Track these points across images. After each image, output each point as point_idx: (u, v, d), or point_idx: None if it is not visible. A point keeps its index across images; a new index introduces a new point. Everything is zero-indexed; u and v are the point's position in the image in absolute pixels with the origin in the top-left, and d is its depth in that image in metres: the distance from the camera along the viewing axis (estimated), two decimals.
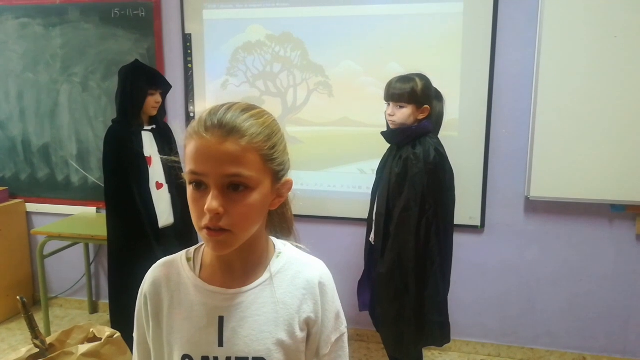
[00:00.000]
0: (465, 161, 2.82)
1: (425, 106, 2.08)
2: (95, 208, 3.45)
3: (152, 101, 2.55)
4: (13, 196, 3.56)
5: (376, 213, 2.19)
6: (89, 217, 3.37)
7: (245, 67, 3.03)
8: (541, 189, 2.73)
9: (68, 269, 3.59)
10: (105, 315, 3.54)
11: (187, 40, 3.09)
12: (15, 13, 3.33)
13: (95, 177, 3.40)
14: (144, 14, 3.13)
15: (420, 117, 2.08)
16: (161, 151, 2.62)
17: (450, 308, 2.97)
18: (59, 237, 3.04)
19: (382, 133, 2.22)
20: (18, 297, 1.76)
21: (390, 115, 2.14)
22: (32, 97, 3.40)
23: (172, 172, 2.69)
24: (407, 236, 2.02)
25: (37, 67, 3.35)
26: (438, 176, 2.03)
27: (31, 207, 3.57)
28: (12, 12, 3.33)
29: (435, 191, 2.02)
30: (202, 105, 3.08)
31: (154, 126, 2.64)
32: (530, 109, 2.71)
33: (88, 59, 3.26)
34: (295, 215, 3.04)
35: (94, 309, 3.61)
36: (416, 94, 2.07)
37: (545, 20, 2.58)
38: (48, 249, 3.10)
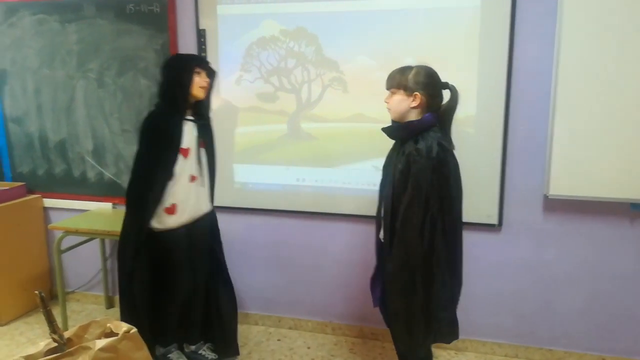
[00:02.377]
0: (482, 158, 2.77)
1: (415, 93, 2.03)
2: (111, 204, 3.47)
3: (200, 81, 2.46)
4: (30, 191, 3.59)
5: (383, 210, 2.16)
6: (105, 213, 3.39)
7: (259, 62, 3.01)
8: (560, 187, 2.67)
9: (85, 263, 3.62)
10: None
11: (201, 35, 3.07)
12: (32, 9, 3.35)
13: (111, 172, 3.41)
14: (158, 9, 3.12)
15: (413, 104, 2.03)
16: (201, 144, 2.56)
17: (466, 307, 2.95)
18: (76, 232, 3.07)
19: (383, 129, 2.17)
20: (37, 292, 1.77)
21: (385, 102, 2.13)
22: (49, 93, 3.43)
23: (211, 166, 2.67)
24: (412, 233, 1.99)
25: (54, 63, 3.37)
26: (442, 171, 1.97)
27: (48, 202, 3.61)
28: (29, 9, 3.35)
29: (439, 186, 1.97)
30: (216, 101, 3.06)
31: (196, 118, 2.56)
32: (549, 105, 2.65)
33: (103, 55, 3.27)
34: (310, 212, 3.05)
35: (110, 303, 3.64)
36: (405, 79, 2.03)
37: (566, 13, 2.51)
38: (65, 244, 3.13)
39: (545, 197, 2.74)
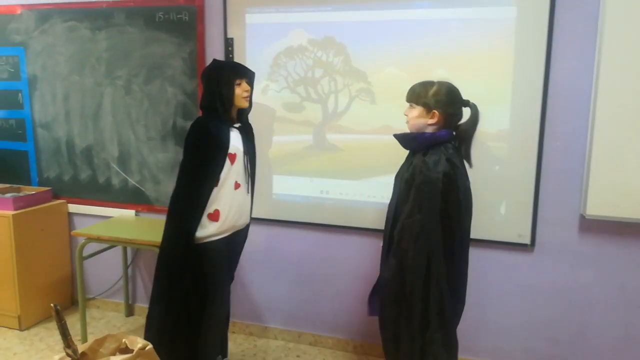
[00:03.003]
0: (515, 174, 2.66)
1: (434, 111, 2.01)
2: (134, 211, 3.45)
3: (241, 91, 2.43)
4: (56, 196, 3.61)
5: (386, 218, 2.16)
6: (128, 220, 3.38)
7: (286, 72, 2.97)
8: (598, 207, 2.53)
9: (106, 270, 3.61)
10: (140, 318, 3.54)
11: (229, 44, 3.05)
12: (64, 16, 3.38)
13: (135, 179, 3.40)
14: (187, 17, 3.11)
15: (431, 122, 2.02)
16: (246, 151, 2.50)
17: (494, 331, 2.84)
18: (98, 239, 3.05)
19: (395, 135, 2.15)
20: (52, 305, 1.73)
21: (405, 114, 2.12)
22: (77, 100, 3.44)
23: (252, 174, 2.59)
24: (409, 243, 1.96)
25: (83, 70, 3.39)
26: (447, 187, 1.93)
27: (73, 207, 3.61)
28: (60, 16, 3.39)
29: (444, 202, 1.93)
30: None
31: (240, 125, 2.52)
32: (587, 121, 2.53)
33: (131, 63, 3.27)
34: (333, 226, 2.96)
35: (129, 311, 3.61)
36: (425, 96, 2.02)
37: (607, 24, 2.40)
38: (87, 251, 3.12)
39: (582, 216, 2.61)
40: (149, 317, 2.52)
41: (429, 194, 1.94)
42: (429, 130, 2.05)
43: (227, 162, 2.40)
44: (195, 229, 2.38)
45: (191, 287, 2.43)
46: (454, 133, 2.08)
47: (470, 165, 2.10)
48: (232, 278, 2.71)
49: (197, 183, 2.36)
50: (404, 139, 2.14)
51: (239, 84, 2.42)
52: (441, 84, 2.05)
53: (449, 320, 2.04)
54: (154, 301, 2.51)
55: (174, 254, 2.40)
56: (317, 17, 2.86)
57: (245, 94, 2.45)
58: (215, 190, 2.39)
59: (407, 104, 2.12)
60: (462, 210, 2.00)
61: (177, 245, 2.38)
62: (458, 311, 2.12)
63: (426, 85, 2.06)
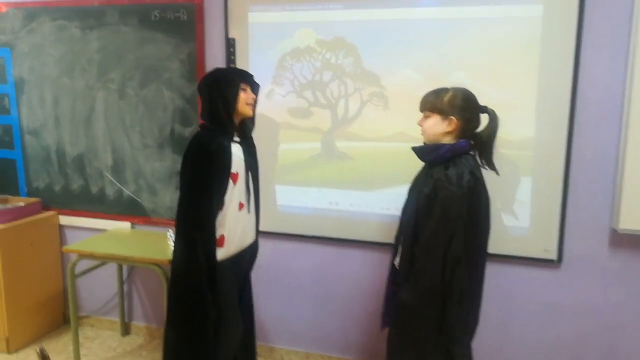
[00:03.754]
0: (541, 185, 2.48)
1: (450, 117, 1.90)
2: (129, 223, 3.25)
3: (247, 98, 2.22)
4: (46, 208, 3.39)
5: (403, 236, 2.03)
6: (123, 233, 3.17)
7: (292, 75, 2.76)
8: (632, 220, 2.35)
9: (100, 286, 3.41)
10: (137, 338, 3.35)
11: (230, 45, 2.84)
12: (52, 15, 3.16)
13: (131, 190, 3.19)
14: (185, 16, 2.90)
15: (448, 129, 1.91)
16: (248, 167, 2.31)
17: (518, 352, 2.66)
18: (91, 256, 2.84)
19: (413, 148, 2.03)
20: (36, 350, 1.53)
21: (419, 125, 2.02)
22: (68, 104, 3.23)
23: (256, 191, 2.41)
24: (435, 263, 1.84)
25: (74, 72, 3.18)
26: (472, 202, 1.83)
27: (64, 219, 3.40)
28: (49, 14, 3.17)
29: (468, 218, 1.82)
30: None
31: (241, 139, 2.32)
32: (619, 128, 2.35)
33: (125, 64, 3.06)
34: (343, 239, 2.76)
35: (126, 330, 3.40)
36: (441, 102, 1.92)
37: None
38: (80, 267, 2.90)
39: (613, 230, 2.42)
40: (165, 343, 2.34)
41: (454, 211, 1.82)
42: (447, 139, 1.94)
43: (230, 182, 2.21)
44: (214, 250, 2.20)
45: (209, 311, 2.24)
46: (472, 142, 1.96)
47: (497, 173, 1.99)
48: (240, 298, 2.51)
49: (203, 208, 2.17)
50: (422, 152, 2.01)
51: (244, 90, 2.22)
52: (456, 90, 1.94)
53: (470, 340, 2.00)
54: (170, 326, 2.32)
55: (194, 278, 2.19)
56: (326, 16, 2.66)
57: (251, 101, 2.25)
58: (219, 213, 2.20)
59: (421, 114, 2.01)
60: (486, 224, 1.92)
61: (196, 267, 2.18)
62: (473, 328, 2.03)
63: (440, 92, 1.95)
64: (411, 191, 2.09)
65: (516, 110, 2.44)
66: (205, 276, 2.18)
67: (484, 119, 1.96)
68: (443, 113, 1.91)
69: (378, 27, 2.60)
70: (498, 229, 2.56)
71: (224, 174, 2.19)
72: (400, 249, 2.05)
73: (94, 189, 3.28)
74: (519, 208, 2.53)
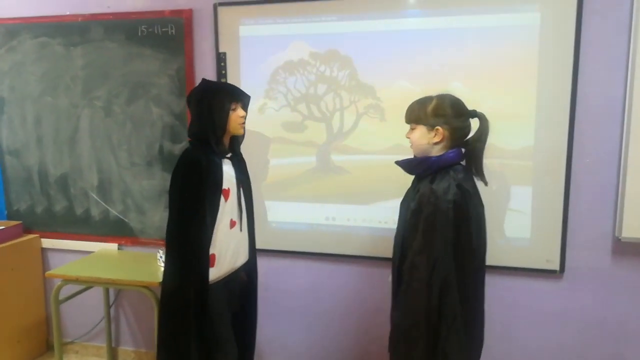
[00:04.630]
0: (542, 195, 2.45)
1: (437, 128, 1.81)
2: (117, 244, 3.12)
3: (237, 117, 2.14)
4: (28, 231, 3.25)
5: (393, 252, 1.96)
6: (109, 255, 3.05)
7: (285, 89, 2.71)
8: (634, 229, 2.33)
9: (85, 311, 3.25)
10: None
11: (221, 59, 2.78)
12: (34, 32, 3.06)
13: (118, 210, 3.08)
14: (173, 31, 2.83)
15: (435, 140, 1.82)
16: (239, 183, 2.23)
17: None
18: (76, 281, 2.71)
19: (397, 162, 1.95)
20: None
21: (407, 137, 1.93)
22: (50, 123, 3.12)
23: (249, 208, 2.33)
24: (419, 282, 1.75)
25: (56, 90, 3.07)
26: (459, 217, 1.72)
27: (47, 242, 3.26)
28: (30, 31, 3.07)
29: (455, 234, 1.73)
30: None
31: (231, 154, 2.24)
32: (620, 136, 2.34)
33: (112, 81, 2.97)
34: (341, 255, 2.68)
35: (113, 356, 3.25)
36: (425, 114, 1.83)
37: None
38: (64, 292, 2.77)
39: (616, 239, 2.40)
40: None
41: (440, 227, 1.73)
42: (435, 150, 1.85)
43: (222, 199, 2.13)
44: (206, 270, 2.11)
45: (198, 334, 2.13)
46: (463, 150, 1.87)
47: (486, 183, 1.89)
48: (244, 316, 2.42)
49: (195, 225, 2.08)
50: (408, 165, 1.92)
51: (234, 109, 2.15)
52: (441, 97, 1.86)
53: None
54: (161, 348, 2.21)
55: (184, 299, 2.10)
56: (319, 28, 2.62)
57: (241, 120, 2.17)
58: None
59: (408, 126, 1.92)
60: (474, 242, 1.78)
61: (187, 289, 2.09)
62: (477, 354, 1.92)
63: (424, 102, 1.87)
64: (402, 205, 2.00)
65: (515, 120, 2.42)
66: (197, 298, 2.09)
67: (476, 124, 1.87)
68: (428, 124, 1.83)
69: (373, 39, 2.56)
70: (499, 240, 2.53)
71: (215, 190, 2.11)
72: (392, 267, 1.98)
73: (79, 210, 3.15)
74: (520, 219, 2.50)
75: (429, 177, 1.81)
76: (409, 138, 1.92)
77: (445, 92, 1.89)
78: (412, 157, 1.94)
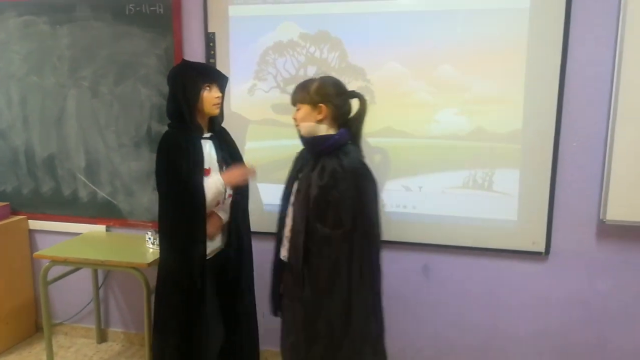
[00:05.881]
0: (529, 177, 2.48)
1: (320, 105, 1.92)
2: (104, 226, 3.11)
3: (210, 97, 2.15)
4: (15, 212, 3.22)
5: (292, 229, 1.98)
6: (98, 237, 3.04)
7: (275, 70, 2.69)
8: (619, 211, 2.37)
9: (74, 292, 3.25)
10: (114, 345, 3.22)
11: (210, 39, 2.75)
12: (18, 10, 3.00)
13: (106, 192, 3.06)
14: (161, 10, 2.79)
15: (319, 117, 1.93)
16: (222, 162, 2.24)
17: (506, 346, 2.65)
18: (65, 262, 2.70)
19: (302, 140, 2.05)
20: None
21: (293, 119, 2.03)
22: (37, 103, 3.07)
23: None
24: (338, 255, 1.84)
25: (42, 70, 3.02)
26: (366, 190, 1.88)
27: (34, 224, 3.24)
28: (14, 9, 3.01)
29: (365, 206, 1.87)
30: (226, 112, 2.73)
31: (212, 134, 2.25)
32: (607, 119, 2.36)
33: (99, 61, 2.93)
34: None
35: (102, 337, 3.26)
36: (307, 93, 1.95)
37: (629, 15, 2.23)
38: (52, 273, 2.76)
39: (601, 222, 2.43)
40: (153, 348, 2.29)
41: (354, 200, 1.84)
42: (322, 128, 1.96)
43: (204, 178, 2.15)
44: (203, 246, 2.15)
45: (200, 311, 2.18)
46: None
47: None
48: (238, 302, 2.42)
49: (187, 203, 2.11)
50: (312, 143, 2.00)
51: (209, 88, 2.15)
52: (323, 78, 2.00)
53: (379, 339, 1.98)
54: (158, 332, 2.25)
55: (184, 276, 2.15)
56: (309, 9, 2.60)
57: (216, 100, 2.17)
58: None
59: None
60: (378, 213, 1.94)
61: (187, 265, 2.15)
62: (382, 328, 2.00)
63: (307, 83, 1.99)
64: (289, 181, 2.09)
65: (504, 103, 2.44)
66: (197, 274, 2.13)
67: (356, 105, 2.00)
68: (312, 102, 1.93)
69: (363, 20, 2.55)
70: (486, 222, 2.55)
71: (196, 169, 2.13)
72: (289, 243, 2.00)
73: (66, 192, 3.13)
74: (507, 201, 2.52)
75: (332, 155, 1.89)
76: (295, 119, 2.01)
77: (326, 75, 2.04)
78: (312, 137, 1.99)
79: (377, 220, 1.93)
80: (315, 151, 1.98)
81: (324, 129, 1.96)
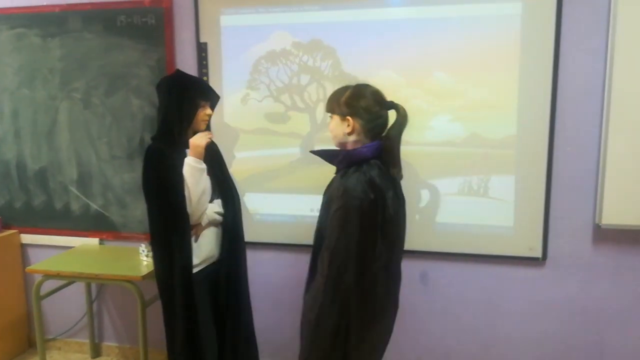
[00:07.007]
0: (524, 183, 2.47)
1: (347, 118, 1.76)
2: (97, 239, 3.08)
3: (203, 114, 2.16)
4: (6, 226, 3.19)
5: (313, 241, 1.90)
6: (91, 250, 3.00)
7: (268, 79, 2.69)
8: (614, 215, 2.37)
9: (67, 306, 3.21)
10: (109, 359, 3.17)
11: (202, 49, 2.74)
12: (10, 23, 2.99)
13: (98, 204, 3.03)
14: (153, 21, 2.79)
15: (348, 130, 1.76)
16: (210, 172, 2.22)
17: (504, 352, 2.63)
18: (58, 276, 2.67)
19: (314, 152, 1.92)
20: None
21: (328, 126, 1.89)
22: (28, 116, 3.05)
23: (226, 199, 2.32)
24: (322, 279, 1.72)
25: (34, 82, 3.01)
26: (368, 215, 1.66)
27: (26, 238, 3.20)
28: (6, 22, 3.00)
29: (361, 232, 1.66)
30: (219, 121, 2.72)
31: None
32: (600, 124, 2.36)
33: (90, 73, 2.92)
34: None
35: (96, 352, 3.21)
36: (337, 102, 1.80)
37: (619, 22, 2.24)
38: (45, 288, 2.73)
39: (597, 226, 2.43)
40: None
41: (345, 225, 1.66)
42: (351, 141, 1.79)
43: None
44: (190, 256, 2.15)
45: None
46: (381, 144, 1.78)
47: (400, 178, 1.83)
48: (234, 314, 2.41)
49: (178, 213, 2.11)
50: (325, 155, 1.87)
51: (203, 107, 2.17)
52: (356, 87, 1.82)
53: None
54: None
55: (173, 288, 2.16)
56: (302, 18, 2.60)
57: (206, 118, 2.19)
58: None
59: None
60: (379, 247, 1.70)
61: (176, 278, 2.15)
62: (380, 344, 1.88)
63: (340, 91, 1.83)
64: (324, 194, 1.91)
65: (497, 109, 2.44)
66: (180, 284, 2.13)
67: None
68: (341, 114, 1.79)
69: (356, 28, 2.55)
70: (483, 228, 2.55)
71: (181, 181, 2.11)
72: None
73: (58, 205, 3.10)
74: (502, 207, 2.52)
75: (341, 171, 1.77)
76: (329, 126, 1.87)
77: (364, 83, 1.85)
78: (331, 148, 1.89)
79: (379, 253, 1.70)
80: (332, 163, 1.86)
81: (353, 143, 1.79)
